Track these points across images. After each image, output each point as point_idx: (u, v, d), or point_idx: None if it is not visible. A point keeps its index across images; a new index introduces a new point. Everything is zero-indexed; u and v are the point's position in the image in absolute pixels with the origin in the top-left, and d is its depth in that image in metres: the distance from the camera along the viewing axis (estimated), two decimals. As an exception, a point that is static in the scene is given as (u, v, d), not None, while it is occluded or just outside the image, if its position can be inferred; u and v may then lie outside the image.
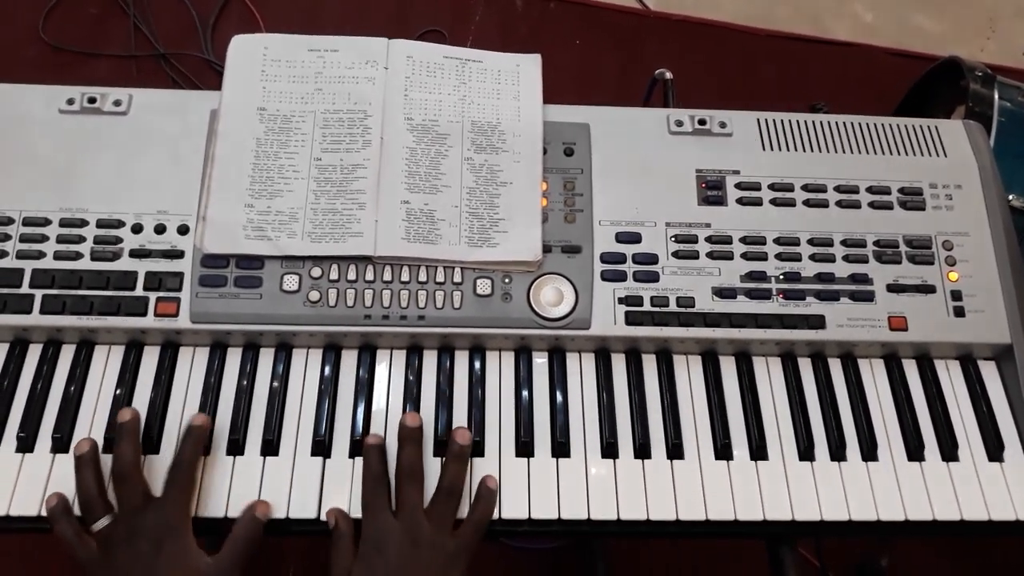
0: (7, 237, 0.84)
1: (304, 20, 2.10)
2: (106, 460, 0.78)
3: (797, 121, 0.96)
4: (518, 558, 1.53)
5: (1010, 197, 1.35)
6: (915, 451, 0.84)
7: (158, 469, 0.78)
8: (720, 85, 2.17)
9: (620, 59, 2.20)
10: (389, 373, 0.86)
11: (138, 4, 2.04)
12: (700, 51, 2.25)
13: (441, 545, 0.74)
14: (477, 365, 0.86)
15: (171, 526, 0.73)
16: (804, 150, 0.95)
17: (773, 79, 2.21)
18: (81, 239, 0.84)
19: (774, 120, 0.96)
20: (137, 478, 0.76)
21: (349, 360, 0.86)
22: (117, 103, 0.90)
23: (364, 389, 0.84)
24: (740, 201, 0.92)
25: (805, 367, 0.89)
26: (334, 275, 0.85)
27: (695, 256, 0.89)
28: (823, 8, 2.45)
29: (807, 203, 0.92)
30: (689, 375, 0.88)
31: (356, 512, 0.78)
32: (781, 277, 0.88)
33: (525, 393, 0.85)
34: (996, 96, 1.44)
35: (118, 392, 0.82)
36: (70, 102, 0.90)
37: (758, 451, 0.83)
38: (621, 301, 0.86)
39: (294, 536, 0.79)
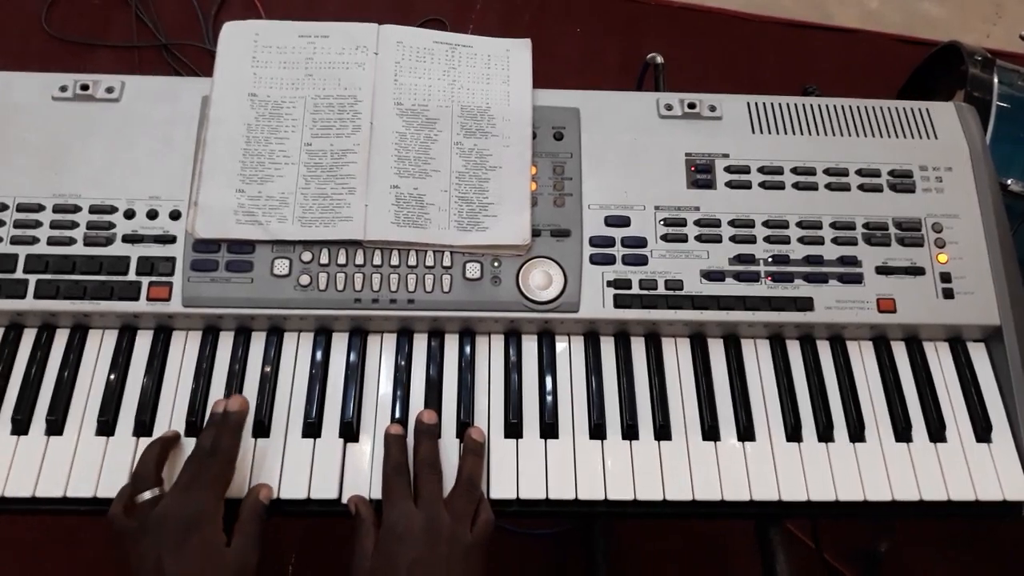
0: (1, 223, 0.85)
1: (306, 10, 2.11)
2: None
3: (787, 104, 0.96)
4: (520, 543, 1.54)
5: (1008, 181, 1.35)
6: (903, 432, 0.84)
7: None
8: (723, 73, 2.17)
9: (621, 47, 2.19)
10: (380, 356, 0.86)
11: (140, -5, 2.06)
12: (703, 39, 2.24)
13: (460, 537, 0.74)
14: (467, 348, 0.87)
15: (206, 512, 0.73)
16: (794, 133, 0.95)
17: (777, 66, 2.21)
18: (74, 225, 0.85)
19: (764, 103, 0.96)
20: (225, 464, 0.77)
21: (340, 344, 0.87)
22: (110, 90, 0.91)
23: (355, 372, 0.85)
24: (729, 184, 0.91)
25: (793, 349, 0.89)
26: (324, 259, 0.85)
27: (684, 239, 0.89)
28: (828, -6, 2.44)
29: (796, 186, 0.92)
30: (677, 357, 0.88)
31: (347, 493, 0.79)
32: (770, 260, 0.89)
33: (514, 375, 0.86)
34: (996, 80, 1.43)
35: (111, 376, 0.83)
36: (63, 89, 0.90)
37: (746, 432, 0.84)
38: (610, 284, 0.87)
39: (285, 516, 0.80)
